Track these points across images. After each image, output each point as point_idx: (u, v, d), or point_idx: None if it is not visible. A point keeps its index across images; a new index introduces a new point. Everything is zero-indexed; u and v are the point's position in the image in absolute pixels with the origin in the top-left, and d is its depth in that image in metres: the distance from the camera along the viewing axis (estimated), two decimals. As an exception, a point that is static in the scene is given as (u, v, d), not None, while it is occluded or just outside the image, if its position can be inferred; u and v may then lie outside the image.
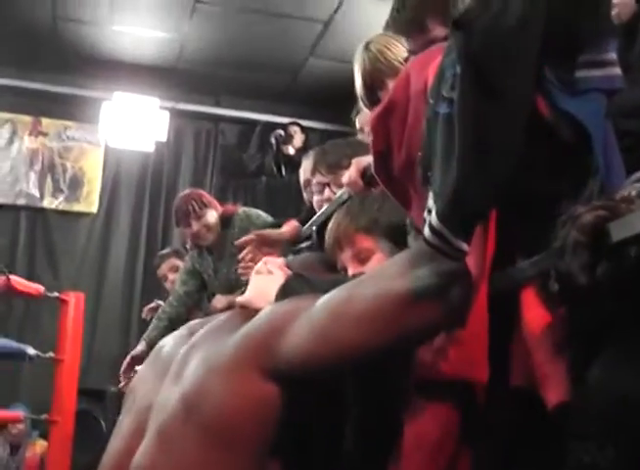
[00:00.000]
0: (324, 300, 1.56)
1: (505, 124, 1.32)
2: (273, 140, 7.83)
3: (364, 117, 3.47)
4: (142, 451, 1.64)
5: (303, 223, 3.42)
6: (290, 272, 2.04)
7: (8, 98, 8.05)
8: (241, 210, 4.70)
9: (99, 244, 8.14)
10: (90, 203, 8.14)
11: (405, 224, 1.93)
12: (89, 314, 6.72)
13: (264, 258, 2.15)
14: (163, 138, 7.99)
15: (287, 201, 4.78)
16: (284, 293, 1.92)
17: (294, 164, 7.58)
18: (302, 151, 7.46)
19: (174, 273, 5.42)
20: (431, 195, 1.37)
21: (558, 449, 1.38)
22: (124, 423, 1.81)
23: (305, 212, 3.49)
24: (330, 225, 2.11)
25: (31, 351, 5.58)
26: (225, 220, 4.55)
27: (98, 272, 8.01)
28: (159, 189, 8.39)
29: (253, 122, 8.54)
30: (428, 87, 1.60)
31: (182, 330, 1.98)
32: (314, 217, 2.96)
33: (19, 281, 5.56)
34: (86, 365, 6.76)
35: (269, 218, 4.47)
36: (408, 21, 2.14)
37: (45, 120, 8.20)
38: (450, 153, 1.33)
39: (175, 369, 1.73)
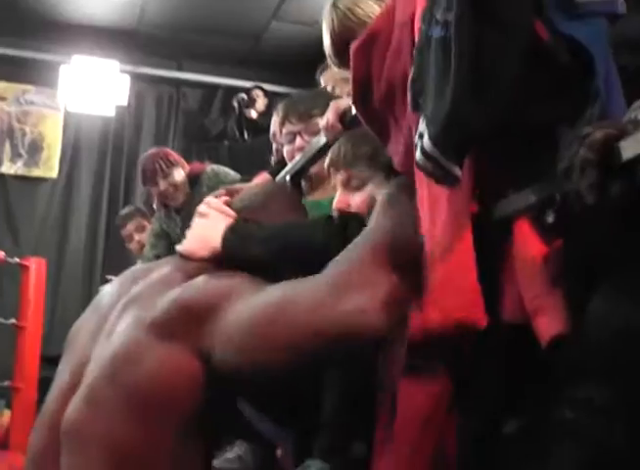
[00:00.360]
0: (261, 302, 1.58)
1: (503, 49, 1.29)
2: (235, 104, 7.74)
3: (330, 76, 3.42)
4: (73, 406, 1.65)
5: (274, 177, 3.34)
6: (232, 213, 2.02)
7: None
8: (209, 168, 4.63)
9: (60, 209, 8.00)
10: (50, 168, 8.01)
11: None
12: (51, 281, 6.63)
13: (206, 199, 2.13)
14: (124, 102, 7.87)
15: (250, 165, 4.71)
16: (229, 241, 1.90)
17: (256, 127, 7.53)
18: (265, 115, 7.42)
19: (140, 233, 5.34)
20: (422, 119, 1.33)
21: (551, 387, 1.36)
22: (61, 374, 1.79)
23: (275, 166, 3.40)
24: (331, 148, 2.11)
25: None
26: (193, 179, 4.49)
27: (59, 238, 7.89)
28: (120, 154, 8.25)
29: (216, 87, 8.45)
30: (415, 18, 1.55)
31: (126, 275, 1.96)
32: (288, 166, 2.88)
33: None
34: (49, 332, 6.68)
35: (238, 176, 4.40)
36: None
37: (3, 84, 8.02)
38: (444, 77, 1.29)
39: (110, 324, 1.74)
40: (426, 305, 1.43)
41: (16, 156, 7.94)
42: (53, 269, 6.98)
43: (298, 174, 2.75)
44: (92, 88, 7.70)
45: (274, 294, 1.60)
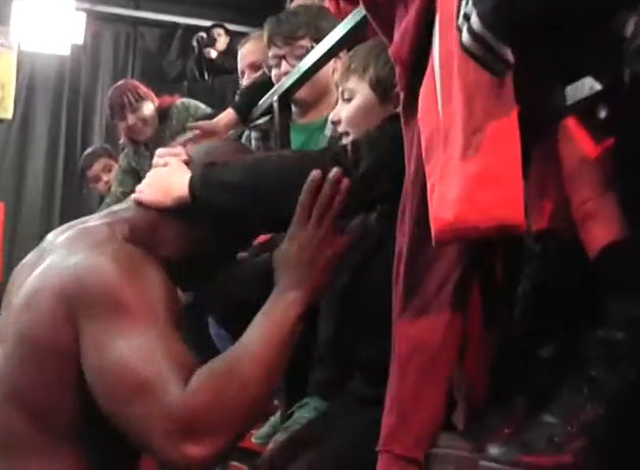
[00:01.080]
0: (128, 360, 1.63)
1: None
2: (195, 43, 7.60)
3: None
4: None
5: (240, 109, 3.21)
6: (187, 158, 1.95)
7: None
8: (179, 101, 4.48)
9: (15, 151, 7.79)
10: (4, 108, 7.73)
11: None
12: (8, 225, 6.48)
13: (158, 151, 2.03)
14: (80, 41, 7.62)
15: (210, 105, 4.59)
16: (197, 189, 1.83)
17: (216, 68, 7.40)
18: (226, 54, 7.26)
19: (108, 173, 5.17)
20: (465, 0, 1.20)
21: (599, 304, 1.26)
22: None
23: (241, 97, 3.27)
24: None
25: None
26: (162, 113, 4.35)
27: (16, 181, 7.70)
28: (76, 94, 8.02)
29: (174, 26, 8.23)
30: None
31: (49, 236, 1.99)
32: (276, 86, 2.76)
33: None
34: (6, 277, 6.52)
35: (208, 110, 4.27)
36: None
37: (-50, 22, 7.77)
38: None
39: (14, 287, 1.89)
40: (458, 201, 1.31)
41: (-33, 96, 7.71)
42: (10, 213, 6.81)
43: (285, 97, 2.64)
44: (46, 26, 7.44)
45: None
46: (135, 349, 1.61)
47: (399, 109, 1.70)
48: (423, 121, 1.49)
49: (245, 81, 3.54)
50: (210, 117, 3.63)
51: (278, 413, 2.49)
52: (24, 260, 1.98)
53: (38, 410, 1.73)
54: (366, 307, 1.95)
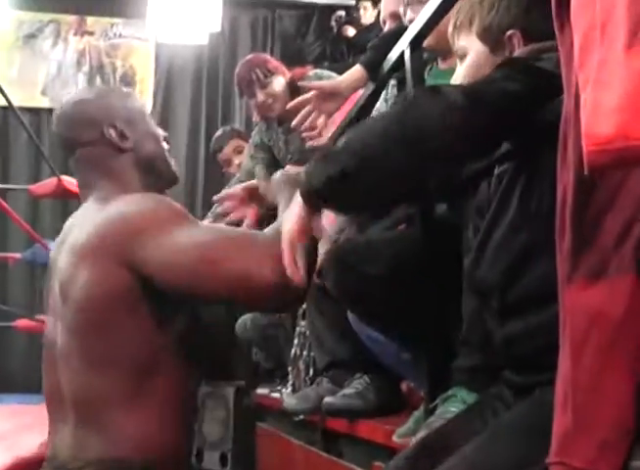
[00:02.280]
0: (198, 241, 1.80)
1: None
2: (334, 22, 7.31)
3: None
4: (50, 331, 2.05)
5: (369, 64, 2.80)
6: None
7: (49, -3, 7.62)
8: (312, 72, 4.15)
9: (156, 144, 7.69)
10: (143, 102, 7.71)
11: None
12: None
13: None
14: (217, 29, 7.46)
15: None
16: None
17: (356, 46, 7.07)
18: (370, 29, 6.92)
19: (239, 155, 4.89)
20: None
21: None
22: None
23: (370, 51, 2.86)
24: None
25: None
26: (295, 86, 4.03)
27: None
28: (215, 83, 7.91)
29: (312, 7, 7.98)
30: None
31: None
32: (406, 34, 2.37)
33: (71, 182, 5.19)
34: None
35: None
36: None
37: (90, 19, 7.75)
38: None
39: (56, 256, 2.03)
40: (620, 108, 0.90)
41: (108, 91, 7.66)
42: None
43: (414, 46, 2.27)
44: (183, 16, 7.31)
45: (213, 235, 1.85)
46: (203, 228, 1.91)
47: (518, 49, 1.60)
48: (576, 19, 1.09)
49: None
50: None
51: (422, 407, 2.12)
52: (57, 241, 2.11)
53: (118, 364, 1.89)
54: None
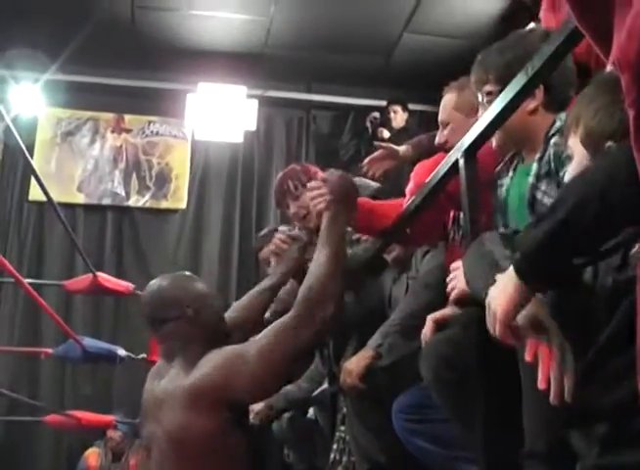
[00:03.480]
0: (256, 352, 2.48)
1: None
2: (368, 124, 7.37)
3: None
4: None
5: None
6: None
7: (88, 96, 7.77)
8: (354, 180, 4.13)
9: (190, 241, 7.75)
10: (178, 199, 7.75)
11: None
12: (183, 315, 6.29)
13: None
14: (253, 127, 7.57)
15: (385, 185, 4.26)
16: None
17: (388, 148, 7.09)
18: (400, 132, 6.98)
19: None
20: None
21: None
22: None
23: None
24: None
25: (122, 352, 5.18)
26: None
27: (191, 269, 7.55)
28: (250, 181, 7.93)
29: (347, 107, 8.04)
30: None
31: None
32: (460, 143, 2.34)
33: (107, 278, 5.17)
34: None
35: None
36: None
37: (128, 117, 7.87)
38: None
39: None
40: None
41: (143, 188, 7.74)
42: (186, 302, 6.65)
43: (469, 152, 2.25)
44: (219, 115, 7.43)
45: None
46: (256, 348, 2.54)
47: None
48: None
49: None
50: (380, 190, 3.80)
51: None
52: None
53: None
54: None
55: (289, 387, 4.29)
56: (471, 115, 2.66)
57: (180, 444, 2.46)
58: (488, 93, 2.34)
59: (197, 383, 2.47)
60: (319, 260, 2.52)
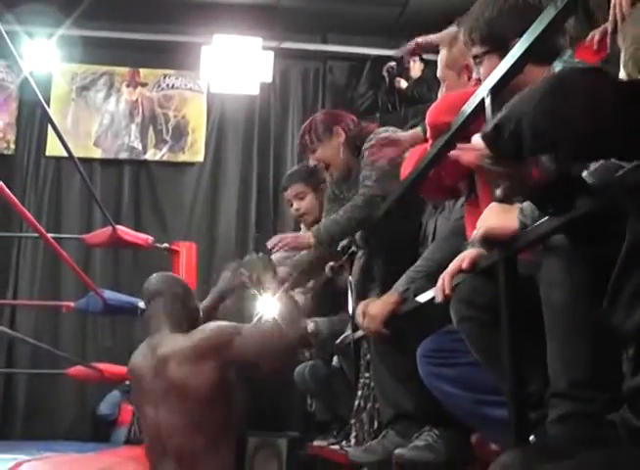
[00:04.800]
0: (247, 328, 3.33)
1: None
2: (385, 73, 7.28)
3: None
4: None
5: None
6: None
7: (103, 50, 7.72)
8: (382, 129, 4.01)
9: (207, 193, 7.72)
10: (195, 152, 7.73)
11: None
12: (202, 267, 6.29)
13: None
14: (269, 79, 7.50)
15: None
16: None
17: (408, 97, 7.04)
18: (420, 82, 6.92)
19: (299, 201, 4.78)
20: None
21: None
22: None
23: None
24: None
25: (143, 304, 5.19)
26: (355, 146, 3.94)
27: (208, 223, 7.60)
28: (267, 133, 7.87)
29: (363, 58, 7.95)
30: None
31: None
32: (486, 81, 2.31)
33: (126, 231, 5.18)
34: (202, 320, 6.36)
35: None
36: None
37: (143, 71, 7.82)
38: None
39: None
40: None
41: (160, 142, 7.71)
42: (204, 255, 6.69)
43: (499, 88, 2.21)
44: (235, 67, 7.37)
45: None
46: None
47: None
48: None
49: None
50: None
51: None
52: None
53: (208, 429, 3.11)
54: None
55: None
56: (463, 73, 2.67)
57: (188, 393, 3.04)
58: (475, 57, 2.35)
59: (200, 342, 3.12)
60: (280, 310, 3.33)
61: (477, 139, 1.63)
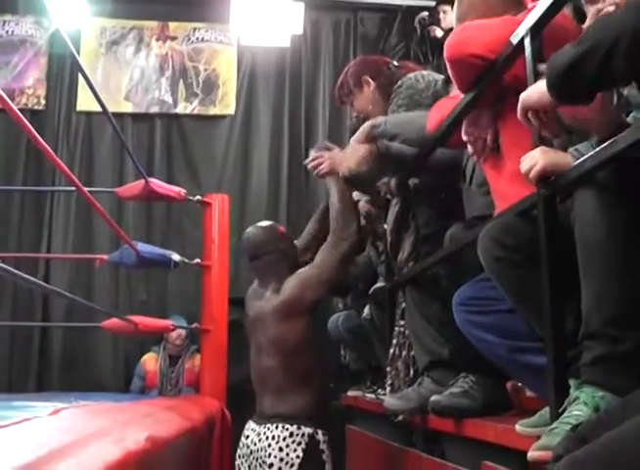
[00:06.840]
0: (315, 267, 3.64)
1: None
2: (417, 25, 7.19)
3: None
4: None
5: None
6: None
7: (132, 5, 7.71)
8: (412, 74, 3.94)
9: (239, 145, 7.69)
10: (226, 105, 7.70)
11: None
12: (234, 220, 6.29)
13: None
14: (299, 31, 7.42)
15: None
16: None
17: (441, 47, 6.93)
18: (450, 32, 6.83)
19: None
20: None
21: None
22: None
23: None
24: None
25: (177, 257, 5.21)
26: (387, 93, 3.87)
27: (241, 176, 7.59)
28: (298, 85, 7.82)
29: (395, 9, 7.87)
30: None
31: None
32: (526, 21, 2.25)
33: (159, 184, 5.18)
34: (235, 274, 6.39)
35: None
36: None
37: (172, 24, 7.78)
38: None
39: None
40: None
41: (191, 95, 7.69)
42: (236, 208, 6.65)
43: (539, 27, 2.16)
44: (265, 19, 7.29)
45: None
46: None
47: None
48: None
49: None
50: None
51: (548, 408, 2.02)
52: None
53: (299, 370, 3.57)
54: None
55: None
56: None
57: (280, 346, 3.55)
58: None
59: (283, 303, 3.56)
60: (333, 202, 3.63)
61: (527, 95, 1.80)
